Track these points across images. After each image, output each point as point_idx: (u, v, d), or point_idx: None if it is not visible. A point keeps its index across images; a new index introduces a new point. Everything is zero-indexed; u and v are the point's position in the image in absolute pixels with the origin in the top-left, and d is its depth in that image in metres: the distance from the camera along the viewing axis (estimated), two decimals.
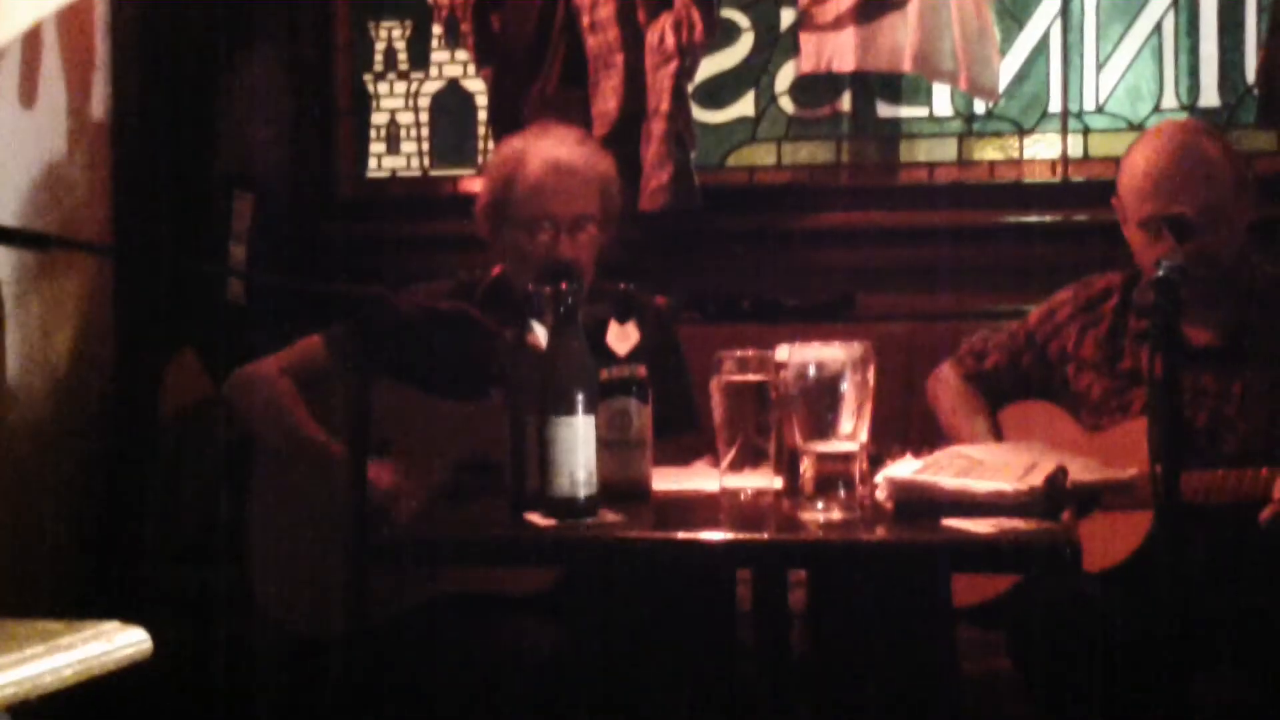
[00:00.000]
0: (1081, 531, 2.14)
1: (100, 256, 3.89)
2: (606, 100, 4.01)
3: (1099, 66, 4.14)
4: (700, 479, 2.50)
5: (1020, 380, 3.14)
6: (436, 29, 4.43)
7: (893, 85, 4.21)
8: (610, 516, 2.22)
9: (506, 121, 4.03)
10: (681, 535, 2.20)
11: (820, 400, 2.16)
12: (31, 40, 3.69)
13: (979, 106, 4.19)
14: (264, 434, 3.00)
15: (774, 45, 4.29)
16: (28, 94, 3.70)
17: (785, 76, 4.28)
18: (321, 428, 2.94)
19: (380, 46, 4.49)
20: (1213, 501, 2.75)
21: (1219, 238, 2.91)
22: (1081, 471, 2.36)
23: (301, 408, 2.97)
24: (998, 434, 3.07)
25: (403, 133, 4.50)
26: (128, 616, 1.67)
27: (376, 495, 2.77)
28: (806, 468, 2.17)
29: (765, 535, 2.21)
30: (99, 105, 3.92)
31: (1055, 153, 4.13)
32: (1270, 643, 2.76)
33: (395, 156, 4.50)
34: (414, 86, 4.49)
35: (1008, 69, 4.13)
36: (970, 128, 4.21)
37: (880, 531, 2.18)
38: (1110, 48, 4.13)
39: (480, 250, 3.17)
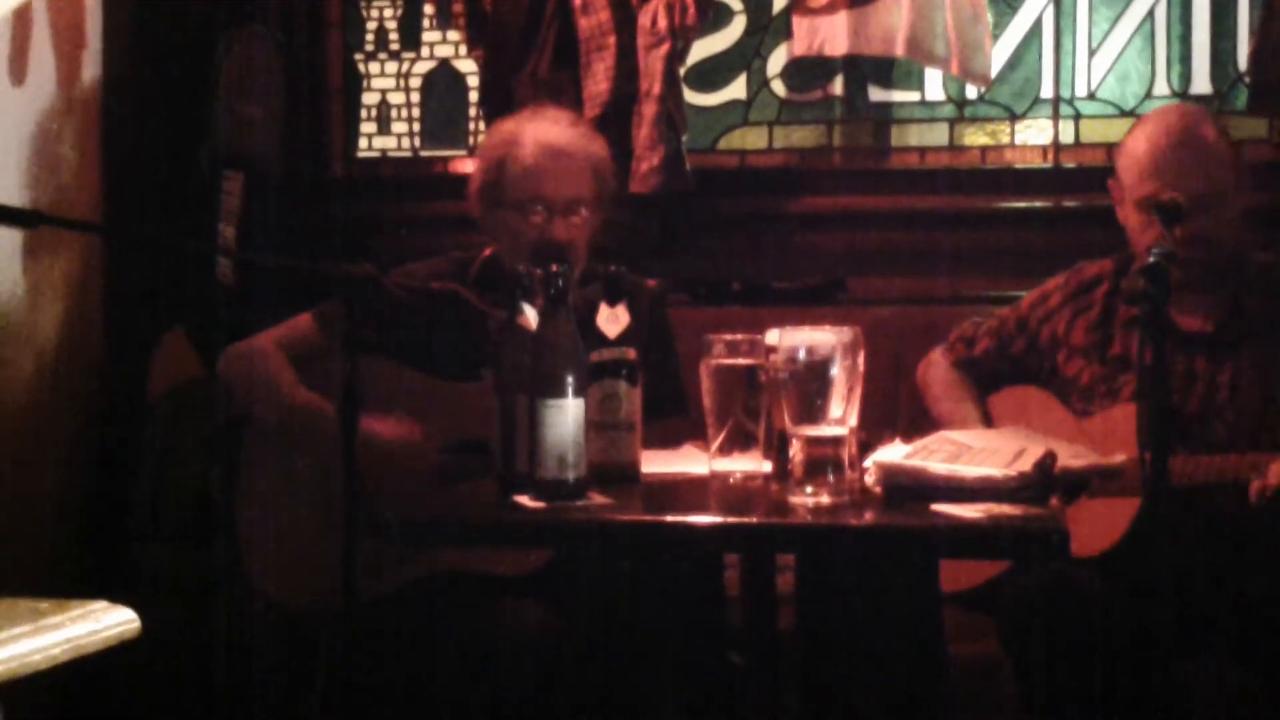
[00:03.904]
0: (1069, 518, 2.15)
1: (90, 235, 3.87)
2: (598, 82, 4.00)
3: (1091, 52, 4.13)
4: (689, 462, 2.50)
5: (1010, 366, 3.14)
6: (428, 9, 4.42)
7: (885, 69, 4.21)
8: (599, 499, 2.22)
9: (497, 103, 4.02)
10: (670, 518, 2.20)
11: (810, 384, 2.16)
12: (21, 16, 3.68)
13: (971, 91, 4.18)
14: (257, 406, 2.99)
15: (766, 28, 4.28)
16: (17, 71, 3.69)
17: (777, 60, 4.27)
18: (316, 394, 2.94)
19: (371, 25, 4.48)
20: (1199, 481, 2.76)
21: (1215, 223, 2.91)
22: (1070, 457, 2.36)
23: (294, 377, 2.96)
24: (987, 421, 3.07)
25: (393, 113, 4.48)
26: (119, 598, 1.67)
27: (382, 450, 2.76)
28: (796, 452, 2.17)
29: (754, 519, 2.21)
30: (89, 82, 3.91)
31: (1047, 138, 4.13)
32: (1260, 627, 2.76)
33: (386, 137, 4.49)
34: (405, 66, 4.47)
35: (1000, 54, 4.13)
36: (962, 113, 4.20)
37: (869, 516, 2.18)
38: (1102, 34, 4.12)
39: (471, 231, 3.17)
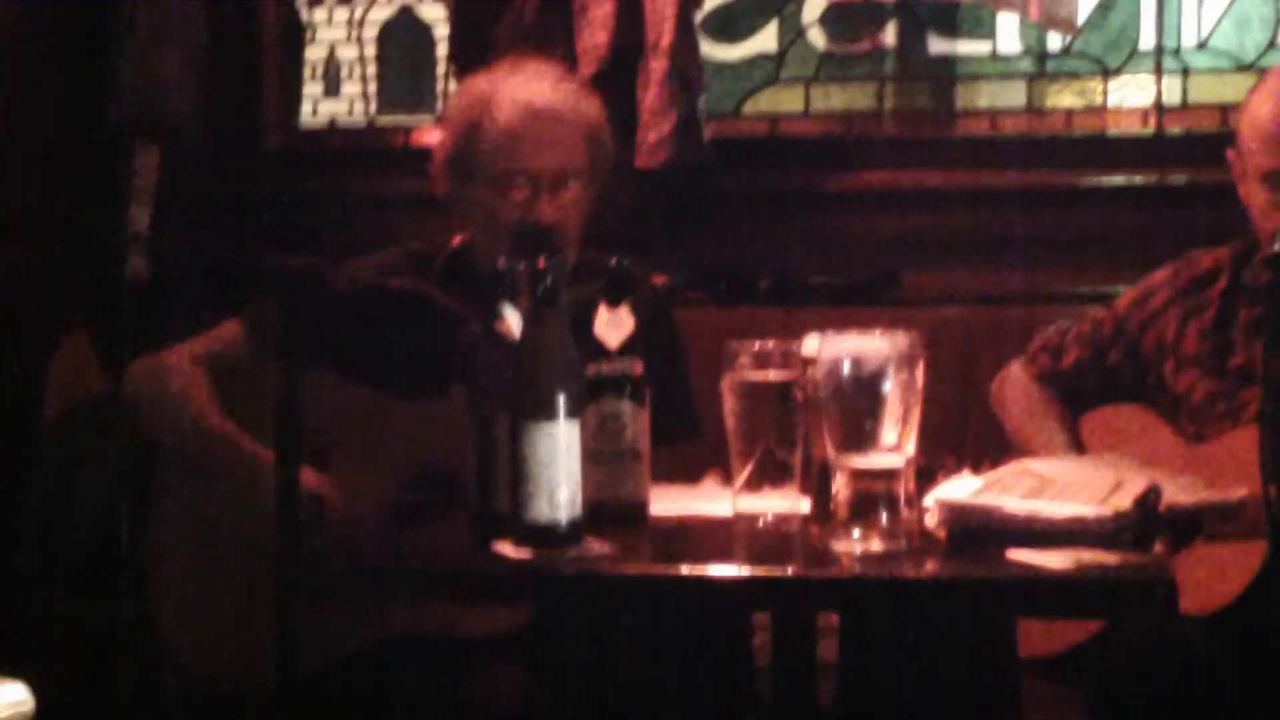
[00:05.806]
0: (1180, 566, 2.15)
1: None
2: (595, 32, 4.01)
3: None
4: (709, 500, 2.50)
5: (1106, 381, 3.15)
6: None
7: (947, 15, 4.22)
8: (598, 546, 2.21)
9: (472, 58, 4.02)
10: (686, 570, 2.20)
11: (857, 403, 2.15)
12: None
13: (1054, 41, 4.19)
14: (172, 437, 3.01)
15: None
16: None
17: (816, 3, 4.28)
18: (244, 430, 2.96)
19: None
20: None
21: None
22: (1179, 492, 2.36)
23: (218, 405, 2.98)
24: (1078, 445, 3.09)
25: (344, 71, 4.49)
26: (8, 660, 1.67)
27: (312, 496, 2.79)
28: (840, 487, 2.17)
29: (789, 570, 2.21)
30: None
31: (1147, 99, 4.14)
32: None
33: (335, 100, 4.50)
34: (358, 13, 4.49)
35: None
36: (1043, 68, 4.21)
37: (930, 566, 2.18)
38: None
39: (439, 215, 3.17)
